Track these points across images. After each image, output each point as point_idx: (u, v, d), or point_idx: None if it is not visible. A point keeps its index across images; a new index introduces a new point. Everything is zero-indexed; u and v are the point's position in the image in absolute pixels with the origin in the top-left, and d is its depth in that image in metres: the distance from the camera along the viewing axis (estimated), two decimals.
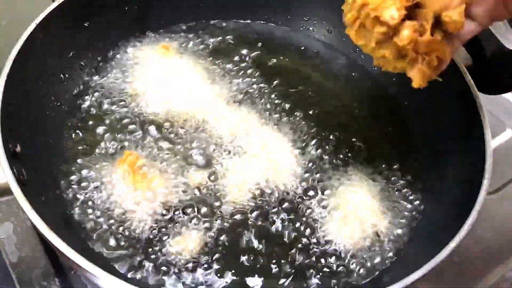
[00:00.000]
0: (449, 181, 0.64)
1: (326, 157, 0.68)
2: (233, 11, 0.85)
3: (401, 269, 0.54)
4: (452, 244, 0.49)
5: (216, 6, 0.84)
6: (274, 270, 0.58)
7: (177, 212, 0.61)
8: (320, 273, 0.58)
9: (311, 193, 0.64)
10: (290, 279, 0.57)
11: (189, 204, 0.62)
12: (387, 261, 0.59)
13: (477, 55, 0.66)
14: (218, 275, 0.57)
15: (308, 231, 0.61)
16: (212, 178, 0.64)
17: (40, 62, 0.66)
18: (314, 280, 0.57)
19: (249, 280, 0.57)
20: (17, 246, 0.66)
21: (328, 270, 0.58)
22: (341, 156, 0.68)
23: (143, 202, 0.60)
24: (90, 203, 0.61)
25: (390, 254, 0.60)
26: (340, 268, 0.58)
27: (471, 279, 0.70)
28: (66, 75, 0.71)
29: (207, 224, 0.60)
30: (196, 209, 0.61)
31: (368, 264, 0.59)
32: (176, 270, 0.57)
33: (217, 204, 0.62)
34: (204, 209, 0.61)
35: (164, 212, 0.60)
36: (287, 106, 0.73)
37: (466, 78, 0.63)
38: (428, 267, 0.47)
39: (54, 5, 0.67)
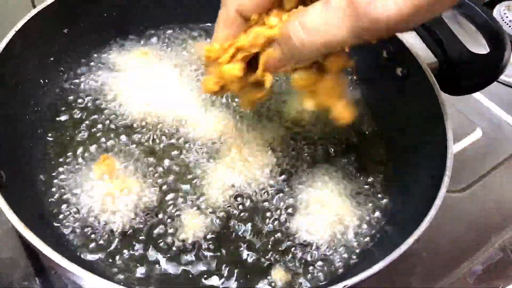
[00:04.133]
0: (416, 180, 0.66)
1: (297, 156, 0.70)
2: (212, 15, 0.86)
3: (368, 263, 0.56)
4: (411, 239, 0.51)
5: (194, 10, 0.85)
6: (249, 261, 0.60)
7: (151, 215, 0.62)
8: (288, 266, 0.60)
9: (283, 190, 0.66)
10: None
11: (167, 206, 0.63)
12: (354, 255, 0.61)
13: (440, 56, 0.69)
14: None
15: (280, 227, 0.63)
16: (190, 179, 0.66)
17: (20, 68, 0.67)
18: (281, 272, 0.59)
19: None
20: None
21: (297, 264, 0.60)
22: (309, 155, 0.70)
23: (119, 204, 0.61)
24: (68, 205, 0.62)
25: (358, 249, 0.62)
26: (309, 262, 0.60)
27: (440, 273, 0.72)
28: (46, 80, 0.72)
29: (185, 227, 0.62)
30: (173, 212, 0.63)
31: (337, 258, 0.61)
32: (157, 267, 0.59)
33: (195, 204, 0.64)
34: (180, 212, 0.63)
35: (140, 214, 0.62)
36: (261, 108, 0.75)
37: (430, 78, 0.66)
38: (388, 259, 0.49)
39: (34, 11, 0.68)
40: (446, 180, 0.56)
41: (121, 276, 0.58)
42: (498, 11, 1.08)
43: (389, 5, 0.38)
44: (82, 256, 0.59)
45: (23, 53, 0.67)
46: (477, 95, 0.96)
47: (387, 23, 0.38)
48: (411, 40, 0.71)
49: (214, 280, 0.59)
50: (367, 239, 0.63)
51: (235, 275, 0.59)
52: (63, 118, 0.71)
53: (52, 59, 0.73)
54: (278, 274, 0.59)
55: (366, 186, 0.68)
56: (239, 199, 0.65)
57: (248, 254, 0.61)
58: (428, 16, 0.40)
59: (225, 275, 0.59)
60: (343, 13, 0.39)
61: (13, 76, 0.66)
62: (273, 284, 0.59)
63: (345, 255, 0.61)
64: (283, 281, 0.59)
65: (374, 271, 0.48)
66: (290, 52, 0.45)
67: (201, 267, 0.59)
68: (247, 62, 0.51)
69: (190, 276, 0.59)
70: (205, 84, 0.55)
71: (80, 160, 0.67)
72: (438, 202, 0.54)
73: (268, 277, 0.59)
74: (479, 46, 0.73)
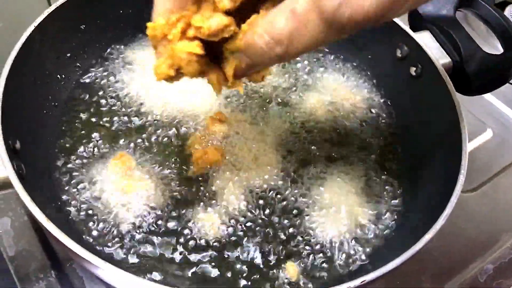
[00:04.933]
0: (430, 179, 0.67)
1: (309, 155, 0.70)
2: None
3: (382, 262, 0.56)
4: (428, 236, 0.51)
5: None
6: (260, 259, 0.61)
7: (165, 212, 0.63)
8: (304, 263, 0.60)
9: (295, 189, 0.66)
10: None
11: (180, 204, 0.64)
12: (367, 254, 0.62)
13: (454, 56, 0.69)
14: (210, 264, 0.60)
15: (292, 225, 0.63)
16: (204, 178, 0.66)
17: (38, 63, 0.68)
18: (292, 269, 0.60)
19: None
20: (14, 240, 0.69)
21: (309, 262, 0.61)
22: (321, 155, 0.70)
23: (134, 200, 0.62)
24: (84, 199, 0.63)
25: (371, 248, 0.62)
26: (324, 259, 0.61)
27: (451, 272, 0.73)
28: (63, 76, 0.73)
29: (198, 226, 0.62)
30: (187, 210, 0.63)
31: (350, 256, 0.61)
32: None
33: (208, 203, 0.64)
34: (193, 211, 0.63)
35: (154, 211, 0.62)
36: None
37: (444, 77, 0.66)
38: (403, 257, 0.50)
39: (51, 8, 0.69)
40: (461, 178, 0.57)
41: (138, 269, 0.59)
42: (510, 12, 1.08)
43: (356, 9, 0.37)
44: (98, 248, 0.60)
45: (42, 49, 0.68)
46: (488, 96, 0.96)
47: (358, 23, 0.38)
48: (425, 39, 0.71)
49: (225, 279, 0.59)
50: (381, 238, 0.63)
51: (245, 273, 0.59)
52: (79, 113, 0.72)
53: (69, 55, 0.74)
54: (290, 272, 0.59)
55: (379, 186, 0.68)
56: (251, 197, 0.65)
57: (258, 252, 0.61)
58: (403, 9, 0.39)
59: (235, 274, 0.59)
60: (311, 22, 0.38)
61: (31, 72, 0.67)
62: (285, 281, 0.59)
63: (358, 254, 0.62)
64: (294, 279, 0.59)
65: (390, 268, 0.49)
66: (261, 61, 0.42)
67: (212, 265, 0.59)
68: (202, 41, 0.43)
69: (202, 273, 0.59)
70: (157, 69, 0.45)
71: (96, 155, 0.67)
72: (453, 199, 0.54)
73: (280, 275, 0.59)
74: (493, 47, 0.74)
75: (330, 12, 0.37)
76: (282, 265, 0.60)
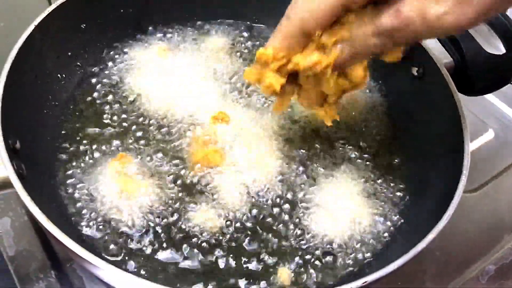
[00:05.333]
0: (431, 180, 0.66)
1: (312, 156, 0.70)
2: (228, 11, 0.87)
3: (385, 262, 0.56)
4: (430, 236, 0.51)
5: (211, 7, 0.86)
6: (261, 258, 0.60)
7: (166, 212, 0.63)
8: (307, 264, 0.60)
9: (298, 189, 0.66)
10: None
11: (182, 204, 0.63)
12: (370, 254, 0.61)
13: (456, 56, 0.69)
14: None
15: (294, 225, 0.63)
16: (204, 178, 0.66)
17: (38, 62, 0.68)
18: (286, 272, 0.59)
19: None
20: (15, 240, 0.68)
21: (314, 261, 0.60)
22: (325, 155, 0.70)
23: (134, 201, 0.62)
24: (84, 199, 0.63)
25: (374, 248, 0.62)
26: (325, 260, 0.61)
27: (453, 272, 0.72)
28: (63, 75, 0.73)
29: (199, 225, 0.62)
30: (188, 210, 0.63)
31: (352, 257, 0.61)
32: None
33: (209, 203, 0.64)
34: (194, 210, 0.63)
35: (154, 211, 0.62)
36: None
37: (446, 77, 0.66)
38: (405, 258, 0.49)
39: (51, 7, 0.69)
40: (463, 178, 0.56)
41: (137, 270, 0.58)
42: None
43: (461, 18, 0.43)
44: (98, 248, 0.59)
45: (42, 48, 0.68)
46: (490, 96, 0.96)
47: (458, 30, 0.45)
48: (427, 40, 0.71)
49: (222, 278, 0.59)
50: (383, 238, 0.63)
51: (246, 272, 0.59)
52: (80, 112, 0.72)
53: (69, 54, 0.74)
54: (283, 275, 0.59)
55: (382, 186, 0.68)
56: (252, 197, 0.65)
57: (259, 252, 0.61)
58: (497, 11, 0.44)
59: (236, 272, 0.59)
60: (414, 24, 0.45)
61: (32, 71, 0.67)
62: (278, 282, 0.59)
63: (361, 254, 0.61)
64: (287, 283, 0.59)
65: (392, 269, 0.49)
66: (362, 49, 0.50)
67: (214, 263, 0.59)
68: (288, 75, 0.56)
69: (204, 271, 0.59)
70: (247, 72, 0.58)
71: (96, 156, 0.67)
72: (456, 200, 0.54)
73: (277, 275, 0.59)
74: (495, 47, 0.73)
75: (434, 19, 0.43)
76: (277, 267, 0.60)
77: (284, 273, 0.59)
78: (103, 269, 0.48)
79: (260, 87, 0.57)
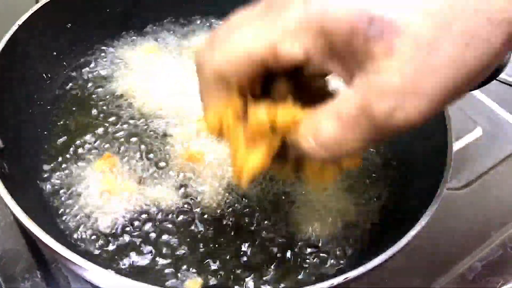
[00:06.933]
0: (416, 177, 0.66)
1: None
2: (217, 8, 0.86)
3: (368, 258, 0.56)
4: (412, 233, 0.51)
5: (198, 4, 0.86)
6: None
7: (151, 211, 0.63)
8: (288, 262, 0.60)
9: (280, 185, 0.66)
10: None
11: (165, 203, 0.63)
12: (353, 251, 0.62)
13: None
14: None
15: (280, 223, 0.63)
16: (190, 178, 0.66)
17: (23, 62, 0.68)
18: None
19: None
20: (1, 240, 0.68)
21: (296, 257, 0.60)
22: None
23: (119, 200, 0.62)
24: (69, 198, 0.63)
25: (357, 245, 0.62)
26: (309, 257, 0.60)
27: (440, 269, 0.72)
28: (49, 75, 0.73)
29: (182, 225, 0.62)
30: (172, 210, 0.63)
31: (336, 254, 0.61)
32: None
33: (195, 202, 0.64)
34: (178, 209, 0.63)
35: (139, 211, 0.62)
36: None
37: None
38: (387, 254, 0.49)
39: (36, 6, 0.69)
40: (446, 175, 0.56)
41: (122, 267, 0.58)
42: None
43: (411, 112, 0.34)
44: (82, 248, 0.59)
45: (27, 47, 0.68)
46: (478, 93, 0.96)
47: (408, 128, 0.35)
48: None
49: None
50: (368, 236, 0.63)
51: (226, 273, 0.59)
52: (66, 111, 0.72)
53: (55, 53, 0.74)
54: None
55: (366, 183, 0.68)
56: (233, 195, 0.64)
57: (245, 251, 0.61)
58: (453, 101, 0.37)
59: (215, 273, 0.59)
60: (360, 128, 0.35)
61: (17, 70, 0.67)
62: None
63: (344, 252, 0.61)
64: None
65: (374, 265, 0.48)
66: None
67: (199, 263, 0.59)
68: None
69: (186, 269, 0.59)
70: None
71: (82, 155, 0.67)
72: (438, 196, 0.54)
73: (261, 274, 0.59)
74: None
75: (382, 120, 0.34)
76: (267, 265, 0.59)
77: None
78: (87, 269, 0.48)
79: None
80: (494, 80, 0.72)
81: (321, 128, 0.37)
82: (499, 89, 0.97)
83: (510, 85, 0.99)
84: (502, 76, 0.97)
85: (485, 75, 0.35)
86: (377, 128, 0.35)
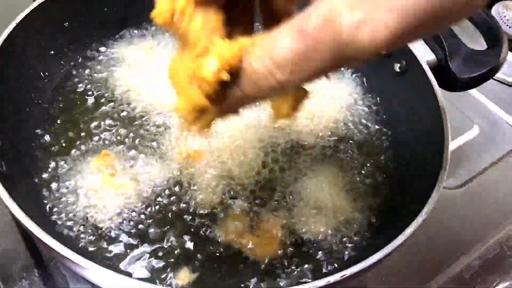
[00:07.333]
0: (414, 174, 0.67)
1: (292, 152, 0.70)
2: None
3: (364, 257, 0.56)
4: (408, 231, 0.51)
5: None
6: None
7: (148, 209, 0.63)
8: (289, 260, 0.60)
9: (279, 184, 0.66)
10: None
11: (162, 202, 0.64)
12: (351, 250, 0.62)
13: (438, 52, 0.69)
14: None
15: (277, 221, 0.63)
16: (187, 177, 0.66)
17: (21, 61, 0.68)
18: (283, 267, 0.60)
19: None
20: None
21: (293, 255, 0.61)
22: (306, 151, 0.70)
23: (116, 198, 0.62)
24: (67, 196, 0.63)
25: (355, 244, 0.62)
26: (307, 256, 0.61)
27: (437, 269, 0.73)
28: (47, 73, 0.73)
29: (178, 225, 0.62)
30: (168, 208, 0.63)
31: (334, 252, 0.61)
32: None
33: (190, 203, 0.64)
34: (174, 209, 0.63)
35: (137, 209, 0.62)
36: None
37: (428, 73, 0.66)
38: (384, 252, 0.49)
39: (34, 4, 0.69)
40: (443, 173, 0.57)
41: (120, 264, 0.58)
42: (496, 10, 1.08)
43: (378, 29, 0.31)
44: (80, 246, 0.59)
45: (25, 46, 0.68)
46: (474, 92, 0.97)
47: (372, 50, 0.32)
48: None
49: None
50: (363, 234, 0.63)
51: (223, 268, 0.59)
52: (63, 110, 0.72)
53: (52, 52, 0.74)
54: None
55: (365, 182, 0.68)
56: (231, 192, 0.65)
57: (242, 247, 0.61)
58: (424, 32, 0.34)
59: (211, 268, 0.59)
60: (323, 44, 0.32)
61: (14, 69, 0.66)
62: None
63: (342, 250, 0.61)
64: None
65: (371, 262, 0.49)
66: (255, 91, 0.36)
67: (193, 258, 0.59)
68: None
69: (180, 264, 0.59)
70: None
71: (79, 153, 0.67)
72: (435, 195, 0.54)
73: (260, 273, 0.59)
74: (477, 43, 0.74)
75: (348, 34, 0.31)
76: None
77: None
78: (86, 268, 0.48)
79: None
80: (491, 79, 0.72)
81: (280, 46, 0.33)
82: (496, 88, 0.98)
83: (506, 84, 0.99)
84: (499, 75, 0.97)
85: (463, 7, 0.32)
86: (340, 45, 0.32)
